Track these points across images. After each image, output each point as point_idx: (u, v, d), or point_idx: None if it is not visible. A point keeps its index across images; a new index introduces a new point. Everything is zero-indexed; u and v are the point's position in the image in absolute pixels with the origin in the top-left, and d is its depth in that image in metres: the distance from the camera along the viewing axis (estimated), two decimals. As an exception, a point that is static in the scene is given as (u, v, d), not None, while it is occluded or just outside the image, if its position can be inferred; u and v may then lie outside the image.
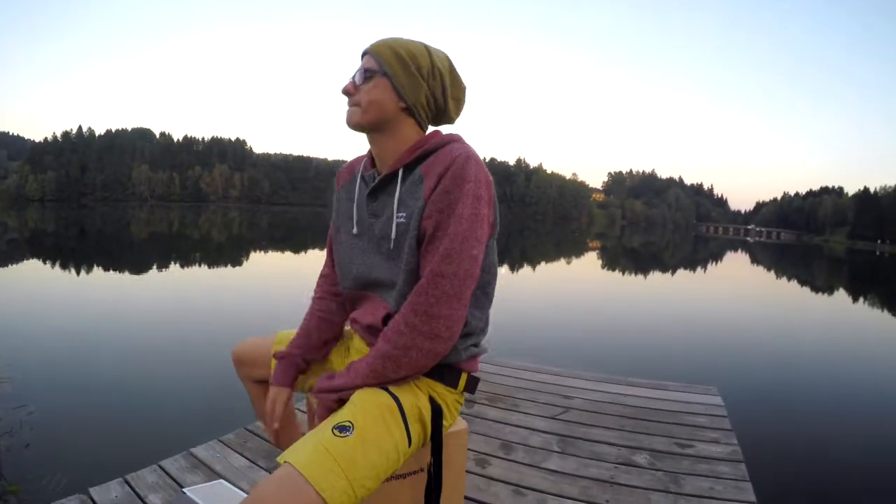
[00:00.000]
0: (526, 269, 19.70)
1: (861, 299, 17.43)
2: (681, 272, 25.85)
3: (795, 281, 25.72)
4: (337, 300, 1.38)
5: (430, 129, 1.24)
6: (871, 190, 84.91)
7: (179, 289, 10.56)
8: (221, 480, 1.88)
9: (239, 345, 1.53)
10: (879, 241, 74.41)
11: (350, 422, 0.98)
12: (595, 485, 2.09)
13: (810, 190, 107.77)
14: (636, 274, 24.19)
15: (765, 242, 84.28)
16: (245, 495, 1.77)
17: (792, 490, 2.93)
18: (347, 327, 1.44)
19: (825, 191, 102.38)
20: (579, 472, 2.20)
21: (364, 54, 1.19)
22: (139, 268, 14.11)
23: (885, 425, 4.66)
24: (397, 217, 1.13)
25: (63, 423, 3.53)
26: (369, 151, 1.28)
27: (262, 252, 22.88)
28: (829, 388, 5.82)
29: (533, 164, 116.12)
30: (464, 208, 1.06)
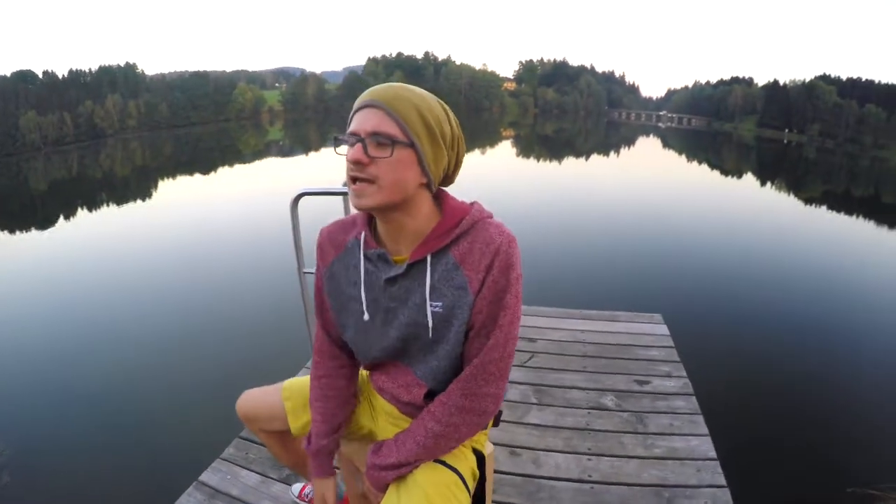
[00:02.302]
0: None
1: (775, 188, 19.19)
2: (595, 159, 27.16)
3: (706, 165, 27.81)
4: (343, 373, 1.36)
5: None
6: (781, 82, 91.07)
7: (104, 257, 9.13)
8: (246, 507, 2.00)
9: (243, 400, 1.51)
10: (787, 131, 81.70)
11: None
12: (575, 434, 2.45)
13: (721, 79, 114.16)
14: (551, 161, 25.19)
15: (676, 128, 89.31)
16: None
17: (735, 412, 3.49)
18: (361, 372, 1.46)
19: (735, 80, 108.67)
20: (559, 423, 2.56)
21: (367, 105, 1.02)
22: (48, 227, 13.12)
23: (810, 322, 5.52)
24: (431, 306, 1.10)
25: (44, 461, 3.38)
26: (364, 222, 1.19)
27: (171, 178, 21.63)
28: (753, 290, 6.65)
29: (441, 56, 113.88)
30: (511, 297, 1.08)
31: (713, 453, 2.26)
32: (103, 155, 44.96)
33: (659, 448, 2.32)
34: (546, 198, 13.99)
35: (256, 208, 11.29)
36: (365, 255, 1.17)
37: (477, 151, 28.58)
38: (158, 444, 3.50)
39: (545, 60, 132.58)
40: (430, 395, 1.19)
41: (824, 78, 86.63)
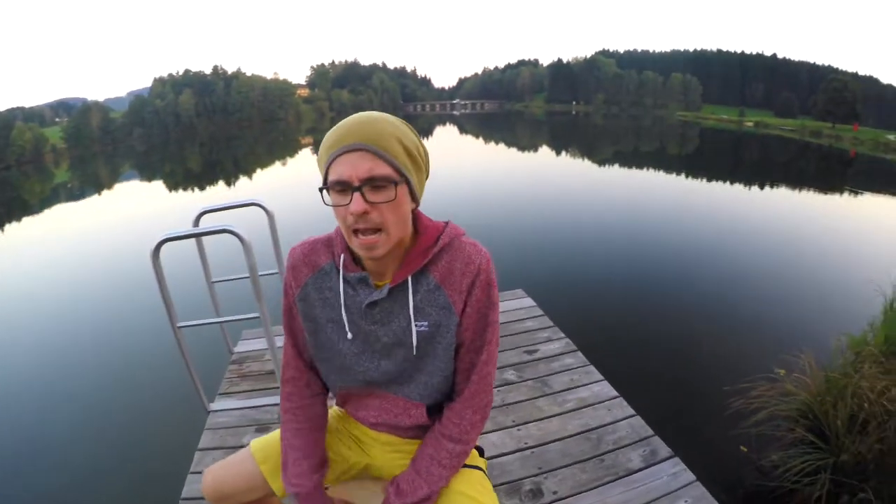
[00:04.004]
0: (243, 182, 19.15)
1: (570, 155, 21.55)
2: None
3: (504, 144, 30.37)
4: (318, 400, 1.35)
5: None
6: (564, 60, 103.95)
7: None
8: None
9: (212, 479, 1.35)
10: (574, 103, 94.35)
11: None
12: (497, 412, 2.70)
13: (508, 63, 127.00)
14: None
15: (470, 114, 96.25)
16: None
17: (617, 355, 4.04)
18: (333, 409, 1.47)
19: (522, 63, 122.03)
20: (477, 406, 2.79)
21: (353, 149, 1.00)
22: None
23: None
24: (417, 326, 1.15)
25: None
26: (343, 244, 1.18)
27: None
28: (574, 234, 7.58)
29: (231, 69, 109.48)
30: (494, 312, 1.17)
31: (614, 392, 2.69)
32: None
33: (570, 402, 2.69)
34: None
35: (64, 262, 9.66)
36: (344, 279, 1.17)
37: (277, 164, 28.03)
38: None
39: (336, 63, 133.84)
40: (429, 411, 1.27)
41: (604, 53, 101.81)
